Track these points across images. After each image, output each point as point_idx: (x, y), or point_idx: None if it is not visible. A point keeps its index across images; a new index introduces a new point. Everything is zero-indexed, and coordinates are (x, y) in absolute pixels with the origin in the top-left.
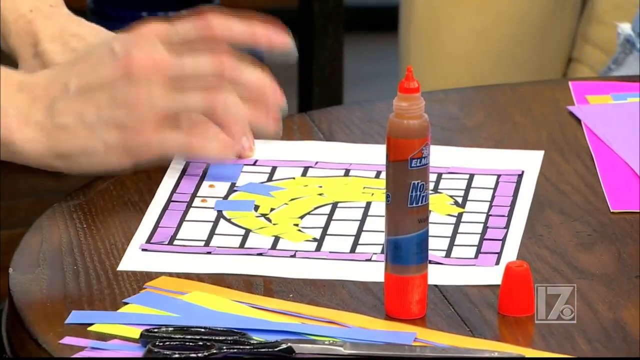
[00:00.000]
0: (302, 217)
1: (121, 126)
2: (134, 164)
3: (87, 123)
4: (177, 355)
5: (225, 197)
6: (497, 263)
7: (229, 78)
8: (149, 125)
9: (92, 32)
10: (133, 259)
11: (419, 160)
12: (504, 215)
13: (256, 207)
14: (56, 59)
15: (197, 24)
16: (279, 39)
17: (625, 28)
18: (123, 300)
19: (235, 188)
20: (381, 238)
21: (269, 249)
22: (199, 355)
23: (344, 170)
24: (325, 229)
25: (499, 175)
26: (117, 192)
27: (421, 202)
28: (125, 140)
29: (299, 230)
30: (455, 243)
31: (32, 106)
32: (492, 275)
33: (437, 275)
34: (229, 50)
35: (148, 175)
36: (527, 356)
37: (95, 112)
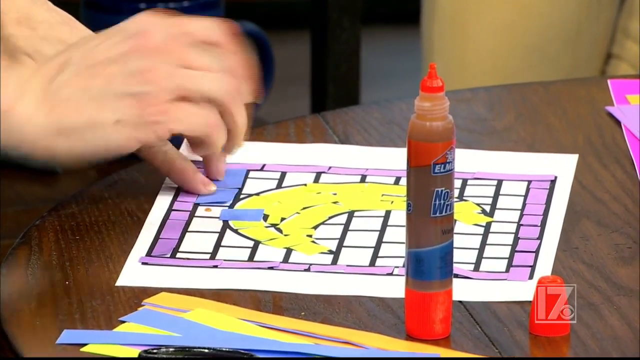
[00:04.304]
0: (315, 227)
1: (135, 95)
2: (143, 143)
3: (94, 96)
4: None
5: (231, 206)
6: (531, 277)
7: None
8: (166, 95)
9: (61, 19)
10: (132, 274)
11: (442, 165)
12: (536, 225)
13: (265, 217)
14: (23, 45)
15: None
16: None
17: None
18: (119, 319)
19: (241, 195)
20: (403, 250)
21: (280, 262)
22: None
23: (360, 176)
24: (341, 240)
25: (529, 182)
26: (113, 200)
27: (445, 212)
28: (139, 110)
29: (313, 241)
30: (484, 255)
31: (33, 76)
32: (523, 290)
33: (462, 290)
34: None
35: (146, 181)
36: None
37: (104, 85)
